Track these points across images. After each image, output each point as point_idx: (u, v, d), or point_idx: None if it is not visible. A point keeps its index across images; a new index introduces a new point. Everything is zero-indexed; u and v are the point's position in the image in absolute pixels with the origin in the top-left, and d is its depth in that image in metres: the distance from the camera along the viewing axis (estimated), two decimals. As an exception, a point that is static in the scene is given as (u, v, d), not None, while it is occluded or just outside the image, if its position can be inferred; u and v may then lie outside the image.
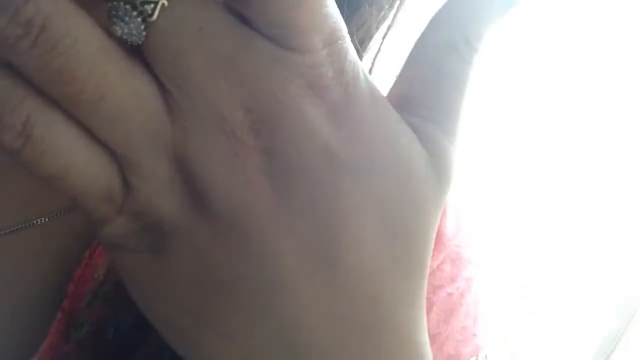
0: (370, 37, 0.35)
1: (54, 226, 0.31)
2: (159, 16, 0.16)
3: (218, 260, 0.18)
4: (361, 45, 0.34)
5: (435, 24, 0.20)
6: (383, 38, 0.35)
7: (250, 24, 0.17)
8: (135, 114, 0.17)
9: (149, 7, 0.16)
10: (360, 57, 0.32)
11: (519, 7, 0.21)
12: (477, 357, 0.36)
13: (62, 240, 0.31)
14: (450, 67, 0.20)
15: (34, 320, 0.30)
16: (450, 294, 0.36)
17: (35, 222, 0.31)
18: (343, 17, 0.27)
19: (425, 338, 0.20)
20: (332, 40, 0.17)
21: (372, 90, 0.19)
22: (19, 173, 0.31)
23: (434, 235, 0.20)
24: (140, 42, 0.16)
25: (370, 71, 0.36)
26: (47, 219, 0.31)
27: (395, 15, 0.35)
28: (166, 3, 0.16)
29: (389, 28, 0.35)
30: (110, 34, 0.16)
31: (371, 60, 0.36)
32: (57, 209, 0.32)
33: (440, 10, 0.20)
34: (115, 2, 0.16)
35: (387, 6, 0.34)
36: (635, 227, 1.24)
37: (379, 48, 0.36)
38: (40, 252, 0.31)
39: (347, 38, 0.18)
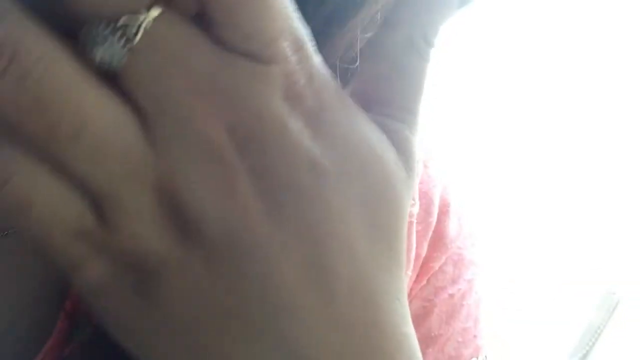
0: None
1: None
2: (139, 39, 0.16)
3: (216, 290, 0.17)
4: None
5: (393, 23, 0.20)
6: None
7: (223, 43, 0.17)
8: (115, 146, 0.16)
9: (131, 30, 0.15)
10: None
11: (472, 3, 0.21)
12: (478, 358, 0.36)
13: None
14: (411, 65, 0.20)
15: (36, 322, 0.30)
16: (451, 295, 0.36)
17: None
18: (349, 15, 0.27)
19: (412, 329, 0.20)
20: (299, 46, 0.17)
21: (340, 93, 0.19)
22: None
23: (406, 226, 0.20)
24: (119, 68, 0.16)
25: None
26: None
27: None
28: (148, 26, 0.16)
29: None
30: (85, 61, 0.15)
31: None
32: None
33: (397, 8, 0.21)
34: (94, 27, 0.15)
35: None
36: (616, 226, 1.26)
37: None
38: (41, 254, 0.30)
39: (310, 43, 0.18)
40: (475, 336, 0.37)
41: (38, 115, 0.15)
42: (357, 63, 0.29)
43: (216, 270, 0.17)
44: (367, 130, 0.19)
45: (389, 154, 0.19)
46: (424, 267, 0.36)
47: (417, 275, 0.36)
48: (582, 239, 1.26)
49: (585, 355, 1.24)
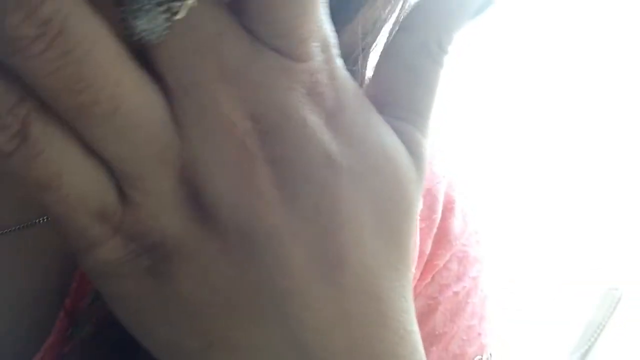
0: (378, 31, 0.34)
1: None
2: (182, 16, 0.16)
3: (229, 275, 0.18)
4: (369, 40, 0.33)
5: (408, 26, 0.21)
6: (390, 33, 0.35)
7: (254, 35, 0.17)
8: (144, 126, 0.16)
9: (176, 5, 0.15)
10: (368, 52, 0.31)
11: (490, 11, 0.21)
12: (482, 356, 0.36)
13: (63, 239, 0.31)
14: (424, 70, 0.21)
15: (36, 321, 0.30)
16: (456, 293, 0.36)
17: (36, 221, 0.30)
18: (351, 11, 0.27)
19: (416, 327, 0.21)
20: (326, 47, 0.18)
21: (358, 94, 0.19)
22: None
23: (415, 226, 0.21)
24: (158, 42, 0.16)
25: None
26: (47, 218, 0.30)
27: (403, 8, 0.35)
28: (194, 3, 0.16)
29: (396, 23, 0.35)
30: (125, 31, 0.16)
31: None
32: None
33: (413, 12, 0.21)
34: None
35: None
36: (617, 224, 1.26)
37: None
38: (41, 252, 0.30)
39: (336, 45, 0.18)
40: (479, 334, 0.37)
41: (76, 91, 0.15)
42: (358, 65, 0.29)
43: (228, 256, 0.18)
44: (381, 132, 0.20)
45: (401, 156, 0.20)
46: (428, 265, 0.36)
47: (421, 273, 0.36)
48: (583, 238, 1.26)
49: (586, 352, 1.25)
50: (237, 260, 0.18)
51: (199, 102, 0.17)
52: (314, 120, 0.18)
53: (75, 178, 0.16)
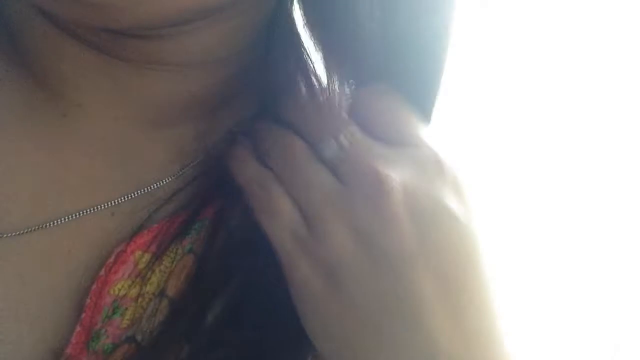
0: None
1: (64, 230, 0.31)
2: None
3: (379, 289, 0.27)
4: None
5: None
6: None
7: None
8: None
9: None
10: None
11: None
12: None
13: (72, 244, 0.31)
14: None
15: (54, 332, 0.30)
16: None
17: (46, 224, 0.31)
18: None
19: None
20: None
21: None
22: (28, 173, 0.31)
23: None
24: None
25: None
26: (59, 221, 0.31)
27: None
28: None
29: None
30: None
31: None
32: (66, 213, 0.32)
33: None
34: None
35: None
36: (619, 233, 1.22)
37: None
38: (52, 255, 0.31)
39: None
40: None
41: None
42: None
43: (377, 273, 0.27)
44: None
45: None
46: None
47: None
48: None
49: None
50: (382, 277, 0.27)
51: None
52: None
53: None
